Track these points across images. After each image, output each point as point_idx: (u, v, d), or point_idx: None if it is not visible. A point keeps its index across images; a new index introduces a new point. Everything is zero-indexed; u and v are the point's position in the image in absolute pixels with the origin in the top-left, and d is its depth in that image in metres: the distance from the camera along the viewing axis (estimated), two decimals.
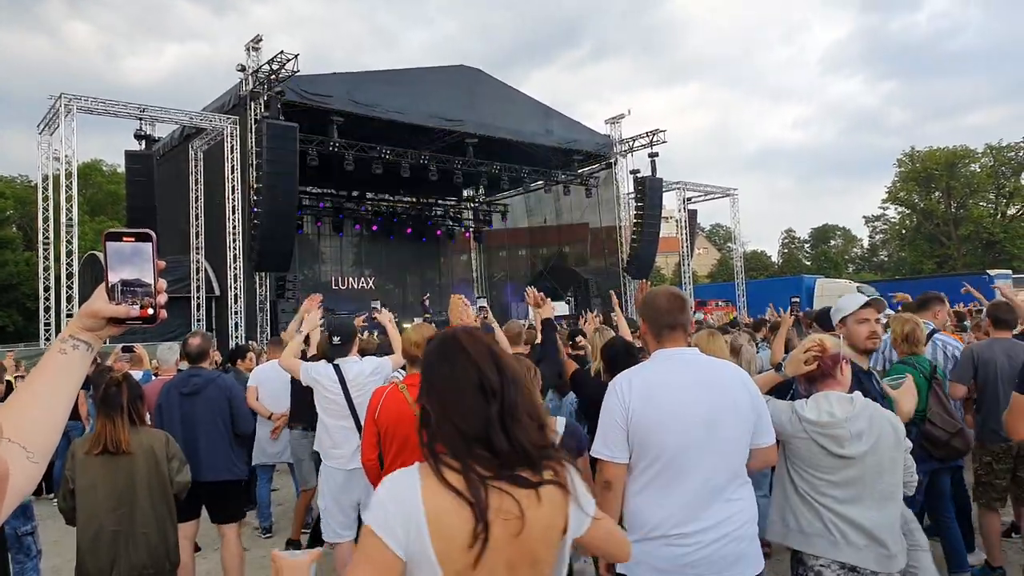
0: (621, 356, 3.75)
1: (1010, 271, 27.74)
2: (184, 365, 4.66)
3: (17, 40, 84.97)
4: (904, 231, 48.24)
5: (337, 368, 4.06)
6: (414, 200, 26.50)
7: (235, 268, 17.33)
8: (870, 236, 54.54)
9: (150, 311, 1.08)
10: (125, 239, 1.09)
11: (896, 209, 48.34)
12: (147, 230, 1.10)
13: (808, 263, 54.13)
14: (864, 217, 53.38)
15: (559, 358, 3.99)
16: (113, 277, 1.08)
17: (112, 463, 3.03)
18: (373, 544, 1.25)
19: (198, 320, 18.16)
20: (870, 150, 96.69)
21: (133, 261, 1.08)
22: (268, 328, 16.98)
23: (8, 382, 6.38)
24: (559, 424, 2.80)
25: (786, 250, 59.10)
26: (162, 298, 1.10)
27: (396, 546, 1.23)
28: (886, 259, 53.25)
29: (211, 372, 4.42)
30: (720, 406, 2.23)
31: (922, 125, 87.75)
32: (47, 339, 16.17)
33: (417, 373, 3.36)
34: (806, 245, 59.47)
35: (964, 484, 4.56)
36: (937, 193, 44.63)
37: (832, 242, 58.89)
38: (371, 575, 1.24)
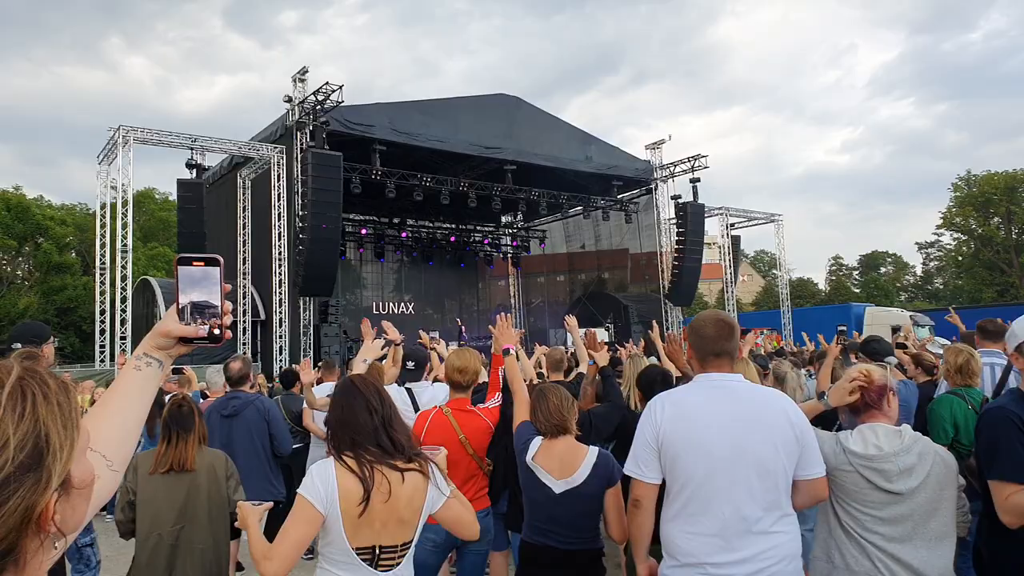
0: (657, 385, 3.75)
1: None
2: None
3: (81, 76, 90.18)
4: (961, 258, 46.39)
5: (409, 391, 4.16)
6: (454, 226, 26.78)
7: (280, 293, 17.70)
8: (923, 263, 52.66)
9: (216, 331, 1.14)
10: (195, 264, 1.16)
11: (952, 235, 46.63)
12: (216, 255, 1.18)
13: (857, 291, 52.44)
14: (917, 244, 51.57)
15: (621, 407, 3.96)
16: (184, 299, 1.14)
17: (175, 479, 3.07)
18: (304, 506, 1.96)
19: (244, 344, 18.54)
20: (921, 174, 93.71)
21: (202, 284, 1.15)
22: (311, 352, 17.21)
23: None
24: (591, 454, 2.77)
25: (833, 277, 57.45)
26: (228, 319, 1.17)
27: (319, 505, 1.95)
28: (941, 287, 51.21)
29: (250, 395, 4.50)
30: (756, 435, 2.16)
31: (978, 148, 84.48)
32: (102, 360, 16.71)
33: (461, 398, 3.38)
34: (855, 272, 57.73)
35: None
36: (996, 219, 42.89)
37: (882, 269, 57.04)
38: (302, 526, 1.96)
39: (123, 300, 16.27)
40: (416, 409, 4.07)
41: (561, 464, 2.73)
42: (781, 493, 2.17)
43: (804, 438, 2.21)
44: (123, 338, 16.13)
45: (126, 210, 16.38)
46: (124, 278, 16.29)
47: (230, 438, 4.24)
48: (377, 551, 1.98)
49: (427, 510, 2.06)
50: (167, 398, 3.66)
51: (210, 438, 4.20)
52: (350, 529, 1.94)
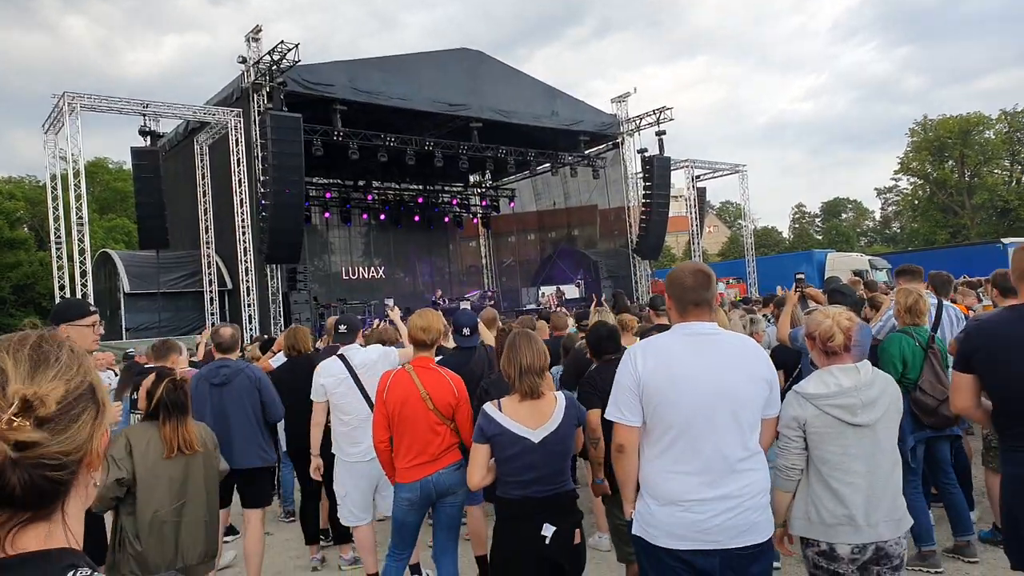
0: (604, 340, 3.87)
1: None
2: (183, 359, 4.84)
3: (17, 39, 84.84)
4: (917, 202, 47.63)
5: (343, 357, 4.26)
6: (421, 187, 26.43)
7: (246, 261, 17.40)
8: (882, 208, 54.07)
9: None
10: None
11: (908, 180, 47.75)
12: None
13: (819, 238, 53.66)
14: (876, 189, 52.93)
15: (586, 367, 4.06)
16: None
17: (174, 459, 3.03)
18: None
19: (212, 314, 18.28)
20: (883, 119, 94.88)
21: None
22: (281, 319, 17.07)
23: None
24: (560, 398, 2.89)
25: (797, 225, 58.62)
26: None
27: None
28: (899, 231, 52.70)
29: (239, 362, 4.52)
30: (735, 379, 2.29)
31: (938, 91, 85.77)
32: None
33: (424, 356, 3.47)
34: (817, 219, 58.94)
35: (964, 451, 4.77)
36: (950, 162, 43.97)
37: (843, 216, 58.37)
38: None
39: (83, 274, 15.82)
40: (351, 372, 4.21)
41: (533, 414, 2.78)
42: (754, 433, 2.32)
43: (772, 381, 2.38)
44: None
45: (78, 181, 15.75)
46: (82, 251, 15.79)
47: (222, 406, 4.24)
48: None
49: None
50: (147, 375, 3.65)
51: (201, 406, 4.14)
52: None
